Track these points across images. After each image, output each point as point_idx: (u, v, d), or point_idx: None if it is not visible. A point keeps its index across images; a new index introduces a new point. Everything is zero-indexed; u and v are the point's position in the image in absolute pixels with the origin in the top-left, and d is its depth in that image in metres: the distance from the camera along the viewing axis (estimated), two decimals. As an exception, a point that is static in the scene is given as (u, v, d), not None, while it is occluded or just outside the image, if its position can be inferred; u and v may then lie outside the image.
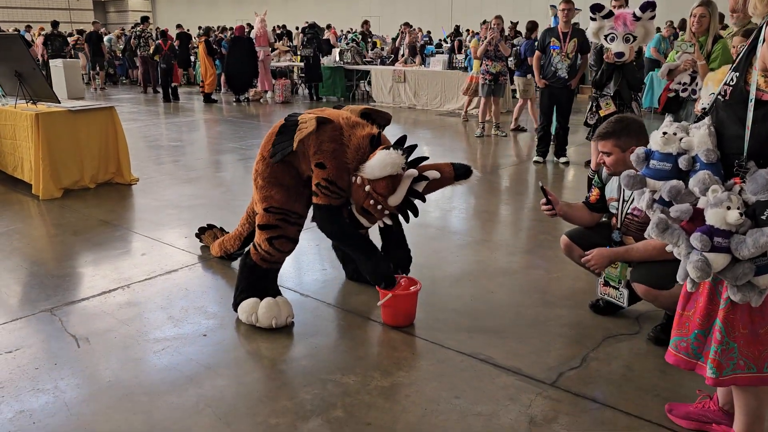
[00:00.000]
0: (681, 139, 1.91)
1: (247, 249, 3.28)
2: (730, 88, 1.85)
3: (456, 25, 22.95)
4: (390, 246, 3.31)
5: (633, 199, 2.95)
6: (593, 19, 4.84)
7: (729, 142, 1.84)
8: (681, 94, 4.86)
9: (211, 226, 4.24)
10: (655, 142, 1.95)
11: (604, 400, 2.50)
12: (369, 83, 13.43)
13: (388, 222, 3.04)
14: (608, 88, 5.28)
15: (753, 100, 1.77)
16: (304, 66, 13.22)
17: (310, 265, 4.02)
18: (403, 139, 2.97)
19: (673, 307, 2.77)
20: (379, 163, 2.83)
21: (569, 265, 3.84)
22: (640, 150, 2.01)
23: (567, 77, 6.68)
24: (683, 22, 13.91)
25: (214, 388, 2.60)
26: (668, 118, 2.06)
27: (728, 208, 1.75)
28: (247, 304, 3.13)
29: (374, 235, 3.44)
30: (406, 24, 15.59)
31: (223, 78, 13.73)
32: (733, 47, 4.35)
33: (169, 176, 6.54)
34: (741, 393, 2.04)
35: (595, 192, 3.18)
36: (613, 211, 3.09)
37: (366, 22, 17.60)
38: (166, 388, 2.60)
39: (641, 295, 2.84)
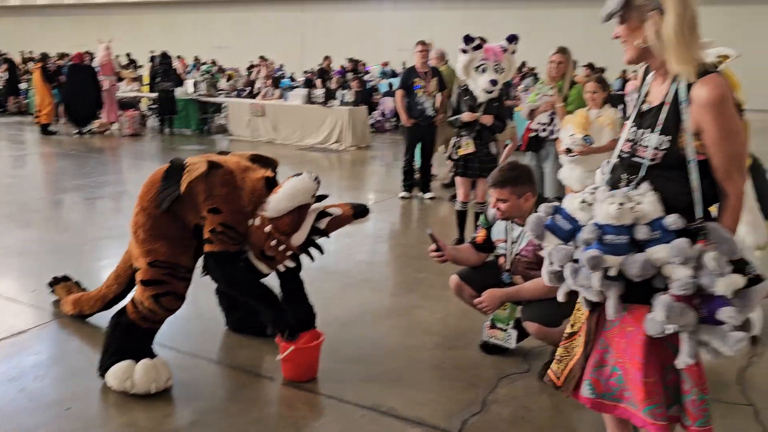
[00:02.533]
0: (634, 209, 1.81)
1: (122, 306, 2.93)
2: (661, 152, 1.84)
3: (327, 55, 23.08)
4: (291, 299, 3.11)
5: (522, 240, 3.04)
6: (464, 51, 4.94)
7: (671, 203, 1.82)
8: (541, 134, 5.18)
9: (65, 278, 3.77)
10: (607, 215, 1.82)
11: (510, 444, 2.50)
12: (225, 116, 13.01)
13: (291, 264, 2.89)
14: (469, 128, 5.46)
15: (694, 162, 1.78)
16: (157, 97, 12.52)
17: (186, 317, 3.68)
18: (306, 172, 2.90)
19: (563, 343, 2.88)
20: (290, 190, 2.74)
21: (451, 303, 3.89)
22: (549, 204, 1.96)
23: (434, 114, 6.92)
24: (523, 64, 15.12)
25: (87, 474, 2.24)
26: (567, 167, 2.09)
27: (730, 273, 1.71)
28: (119, 369, 2.77)
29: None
30: (262, 57, 15.41)
31: (62, 108, 12.56)
32: (587, 92, 4.75)
33: (4, 218, 5.77)
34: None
35: (481, 233, 3.25)
36: (501, 251, 3.17)
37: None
38: (26, 481, 2.20)
39: (533, 333, 2.92)
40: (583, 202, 1.88)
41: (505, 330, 3.13)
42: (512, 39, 4.96)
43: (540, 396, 2.88)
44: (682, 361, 1.81)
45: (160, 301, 2.82)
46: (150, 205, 2.87)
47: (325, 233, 2.95)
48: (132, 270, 3.17)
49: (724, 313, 1.69)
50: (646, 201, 1.80)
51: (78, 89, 11.58)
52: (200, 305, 3.80)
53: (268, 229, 2.78)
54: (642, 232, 1.78)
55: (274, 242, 2.80)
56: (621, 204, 1.79)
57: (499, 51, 4.86)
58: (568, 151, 4.56)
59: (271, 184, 2.85)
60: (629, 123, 2.00)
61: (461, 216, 5.27)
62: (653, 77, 1.95)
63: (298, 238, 2.84)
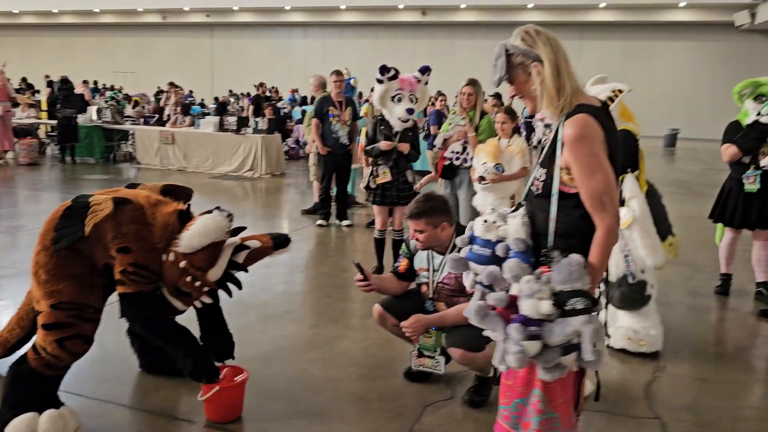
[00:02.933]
0: (498, 227, 2.03)
1: (23, 353, 2.71)
2: (541, 183, 2.02)
3: (230, 90, 22.81)
4: (210, 332, 3.00)
5: (444, 268, 3.10)
6: (380, 81, 4.99)
7: (542, 230, 2.00)
8: (455, 162, 5.32)
9: None
10: (478, 228, 2.07)
11: (438, 474, 2.51)
12: (132, 144, 12.52)
13: (208, 300, 2.80)
14: (386, 157, 5.54)
15: (556, 195, 1.96)
16: (57, 125, 11.87)
17: (94, 360, 3.45)
18: (218, 208, 2.79)
19: (487, 368, 2.95)
20: (201, 228, 2.66)
21: (373, 332, 3.90)
22: (465, 236, 2.11)
23: (348, 143, 6.96)
24: (439, 93, 15.51)
25: None
26: (481, 194, 2.21)
27: (540, 298, 1.87)
28: (21, 423, 2.56)
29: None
30: (171, 83, 15.00)
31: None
32: (497, 122, 4.94)
33: None
34: None
35: (404, 262, 3.28)
36: (424, 279, 3.21)
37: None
38: None
39: (458, 359, 2.96)
40: (485, 222, 2.06)
41: (433, 357, 3.16)
42: (425, 70, 5.07)
43: (464, 422, 2.92)
44: (495, 362, 1.97)
45: (64, 345, 2.63)
46: (52, 244, 2.69)
47: (243, 267, 2.87)
48: (36, 312, 2.96)
49: (511, 328, 1.88)
50: (512, 223, 2.01)
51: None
52: (108, 347, 3.60)
53: (182, 264, 2.69)
54: (500, 250, 2.01)
55: (189, 278, 2.71)
56: (486, 221, 2.05)
57: (413, 81, 4.97)
58: (482, 179, 4.71)
59: (184, 217, 2.76)
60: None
61: (379, 244, 5.30)
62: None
63: (215, 273, 2.76)
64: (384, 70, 4.96)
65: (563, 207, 1.97)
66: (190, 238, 2.66)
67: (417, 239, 3.03)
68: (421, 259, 3.21)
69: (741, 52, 24.98)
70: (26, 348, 2.77)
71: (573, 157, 1.92)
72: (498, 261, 2.00)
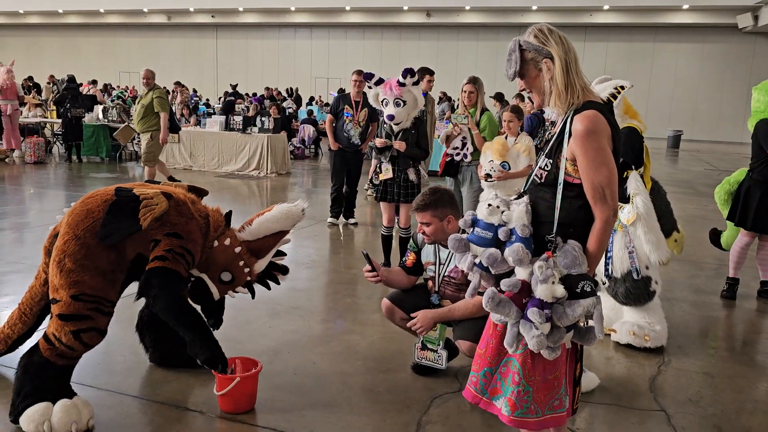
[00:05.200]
0: (503, 212, 2.10)
1: (34, 344, 2.75)
2: (545, 172, 2.10)
3: (233, 85, 22.88)
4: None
5: (450, 261, 3.14)
6: (369, 87, 5.09)
7: (543, 218, 2.08)
8: (456, 158, 5.37)
9: None
10: (481, 212, 2.13)
11: (447, 463, 2.55)
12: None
13: (244, 291, 3.04)
14: (386, 155, 5.57)
15: (561, 184, 2.04)
16: (63, 123, 11.95)
17: (104, 351, 3.51)
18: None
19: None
20: (278, 215, 2.97)
21: (382, 327, 3.94)
22: (468, 216, 2.17)
23: (359, 143, 7.01)
24: (444, 94, 15.58)
25: None
26: (487, 191, 2.26)
27: (553, 282, 1.96)
28: (35, 411, 2.60)
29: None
30: (177, 83, 15.08)
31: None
32: (504, 121, 4.98)
33: None
34: None
35: (411, 256, 3.33)
36: (430, 274, 3.25)
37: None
38: None
39: (465, 352, 3.00)
40: (490, 206, 2.11)
41: (435, 351, 3.20)
42: (406, 74, 4.89)
43: (471, 414, 2.95)
44: (506, 344, 2.06)
45: (80, 337, 2.68)
46: (86, 234, 2.73)
47: (283, 269, 3.21)
48: (39, 306, 3.00)
49: (530, 313, 1.96)
50: (516, 210, 2.07)
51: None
52: (120, 341, 3.65)
53: (238, 249, 2.94)
54: (502, 234, 2.06)
55: (242, 263, 2.94)
56: (490, 205, 2.09)
57: (395, 86, 4.87)
58: (488, 176, 4.76)
59: (228, 218, 3.07)
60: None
61: (386, 240, 5.34)
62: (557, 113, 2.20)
63: (261, 264, 3.02)
64: (368, 77, 5.01)
65: (565, 196, 2.05)
66: (263, 223, 2.96)
67: (424, 232, 3.07)
68: (428, 253, 3.25)
69: (744, 54, 25.00)
70: (35, 340, 2.82)
71: (581, 150, 1.99)
72: (498, 245, 2.06)
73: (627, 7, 24.29)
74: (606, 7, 24.31)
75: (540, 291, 1.96)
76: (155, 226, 2.79)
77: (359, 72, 6.85)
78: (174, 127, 8.78)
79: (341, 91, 16.04)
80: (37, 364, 2.68)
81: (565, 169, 2.05)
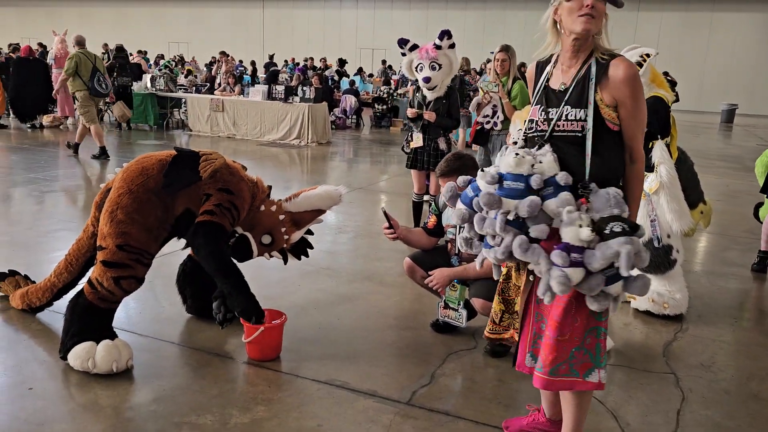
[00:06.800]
0: (532, 165, 2.04)
1: (80, 288, 3.00)
2: (581, 122, 2.05)
3: (270, 54, 23.13)
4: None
5: (468, 224, 3.24)
6: (403, 54, 5.13)
7: (573, 168, 2.06)
8: (486, 126, 5.41)
9: (13, 273, 3.73)
10: (507, 164, 2.04)
11: (456, 412, 2.69)
12: (184, 112, 12.96)
13: (278, 256, 3.39)
14: (417, 124, 5.63)
15: (591, 130, 2.04)
16: (113, 92, 12.37)
17: (146, 302, 3.78)
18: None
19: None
20: (323, 194, 3.33)
21: (406, 288, 4.09)
22: (491, 172, 2.07)
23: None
24: (465, 61, 15.32)
25: (53, 445, 2.34)
26: (510, 146, 2.24)
27: (580, 225, 1.94)
28: (81, 349, 2.86)
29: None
30: (223, 53, 15.35)
31: (12, 102, 12.29)
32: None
33: (-43, 211, 5.71)
34: (564, 398, 2.25)
35: (432, 218, 3.45)
36: (450, 236, 3.37)
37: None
38: (-8, 452, 2.29)
39: (479, 309, 3.13)
40: (517, 155, 2.04)
41: (456, 310, 3.33)
42: (443, 35, 4.93)
43: (485, 369, 3.09)
44: (540, 293, 2.03)
45: (120, 283, 2.92)
46: (139, 190, 2.97)
47: (309, 245, 3.58)
48: (85, 258, 3.25)
49: (554, 254, 1.94)
50: (545, 160, 2.04)
51: (24, 83, 11.39)
52: (159, 292, 3.91)
53: (282, 217, 3.25)
54: (535, 181, 2.01)
55: (283, 229, 3.26)
56: (517, 155, 2.02)
57: (431, 48, 4.93)
58: (516, 144, 4.80)
59: (269, 190, 3.41)
60: (536, 105, 2.18)
61: (417, 207, 5.46)
62: (555, 65, 2.18)
63: (297, 235, 3.33)
64: (402, 42, 5.05)
65: (605, 144, 2.05)
66: (309, 197, 3.27)
67: (448, 196, 3.17)
68: (448, 216, 3.36)
69: (809, 24, 23.76)
70: (80, 287, 3.07)
71: (630, 93, 2.02)
72: (531, 194, 2.00)
73: (684, -25, 23.36)
74: (661, -25, 23.43)
75: (566, 234, 1.94)
76: (209, 182, 3.03)
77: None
78: (94, 91, 8.82)
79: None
80: (82, 306, 2.93)
81: (608, 115, 2.04)
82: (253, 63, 20.82)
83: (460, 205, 2.16)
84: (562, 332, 2.09)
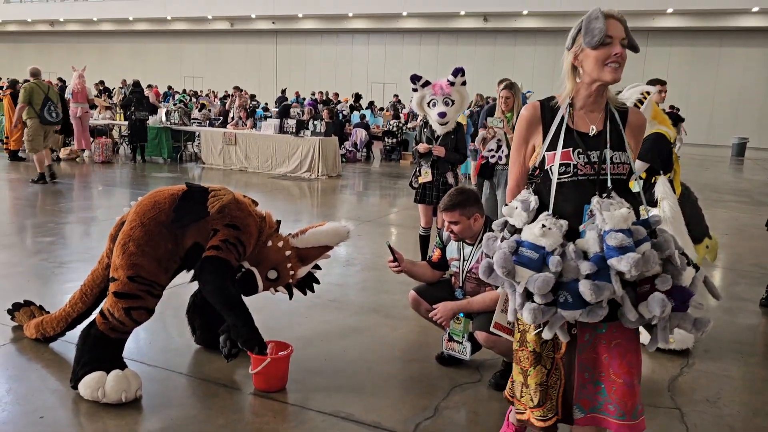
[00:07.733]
0: (562, 245, 1.94)
1: (92, 318, 3.08)
2: (626, 165, 2.08)
3: (282, 89, 23.56)
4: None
5: (472, 258, 3.30)
6: (415, 90, 5.22)
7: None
8: (490, 161, 5.48)
9: (28, 303, 3.81)
10: (532, 233, 1.95)
11: (459, 444, 2.71)
12: (197, 145, 13.19)
13: (283, 291, 3.39)
14: (427, 159, 5.71)
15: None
16: (128, 126, 12.66)
17: (156, 333, 3.84)
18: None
19: (510, 353, 3.13)
20: (330, 231, 3.39)
21: (412, 321, 4.12)
22: (512, 241, 1.99)
23: None
24: (479, 97, 15.53)
25: (61, 474, 2.38)
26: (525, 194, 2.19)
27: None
28: (91, 379, 2.92)
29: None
30: (236, 87, 15.68)
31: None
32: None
33: (-25, 242, 5.84)
34: None
35: (437, 252, 3.51)
36: (454, 269, 3.42)
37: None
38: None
39: (482, 342, 3.16)
40: (543, 227, 1.93)
41: (461, 342, 3.36)
42: (457, 72, 5.05)
43: (489, 402, 3.11)
44: (654, 346, 2.09)
45: (131, 313, 2.99)
46: (151, 223, 3.07)
47: (315, 281, 3.61)
48: (99, 288, 3.34)
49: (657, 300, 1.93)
50: (616, 214, 1.91)
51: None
52: (168, 323, 3.97)
53: (288, 253, 3.30)
54: (553, 264, 1.92)
55: (289, 265, 3.31)
56: (544, 226, 1.92)
57: (445, 85, 5.04)
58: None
59: (278, 225, 3.45)
60: (567, 149, 2.07)
61: (423, 241, 5.52)
62: (572, 109, 2.11)
63: (303, 271, 3.40)
64: (415, 79, 5.15)
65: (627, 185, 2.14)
66: (315, 234, 3.34)
67: (452, 230, 3.25)
68: (452, 250, 3.43)
69: (817, 59, 23.89)
70: (93, 317, 3.14)
71: (640, 140, 2.24)
72: (542, 267, 1.92)
73: (691, 10, 23.62)
74: (669, 10, 23.72)
75: (685, 278, 2.03)
76: (217, 217, 3.11)
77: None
78: (44, 120, 9.30)
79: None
80: (94, 336, 3.00)
81: (632, 158, 2.11)
82: (266, 105, 21.14)
83: (524, 271, 1.95)
84: (640, 375, 2.12)
